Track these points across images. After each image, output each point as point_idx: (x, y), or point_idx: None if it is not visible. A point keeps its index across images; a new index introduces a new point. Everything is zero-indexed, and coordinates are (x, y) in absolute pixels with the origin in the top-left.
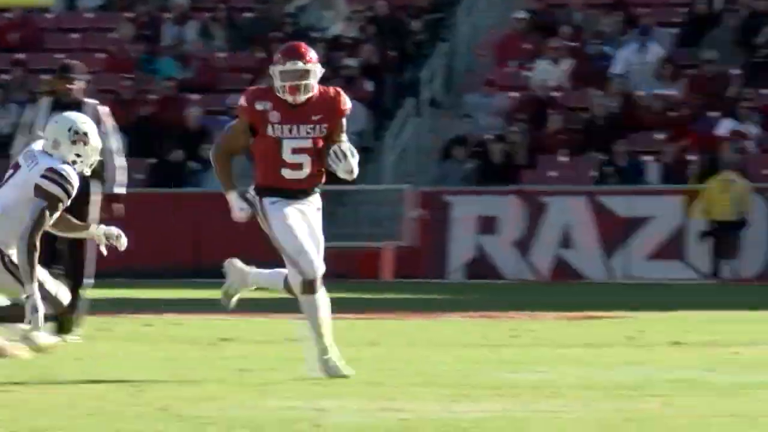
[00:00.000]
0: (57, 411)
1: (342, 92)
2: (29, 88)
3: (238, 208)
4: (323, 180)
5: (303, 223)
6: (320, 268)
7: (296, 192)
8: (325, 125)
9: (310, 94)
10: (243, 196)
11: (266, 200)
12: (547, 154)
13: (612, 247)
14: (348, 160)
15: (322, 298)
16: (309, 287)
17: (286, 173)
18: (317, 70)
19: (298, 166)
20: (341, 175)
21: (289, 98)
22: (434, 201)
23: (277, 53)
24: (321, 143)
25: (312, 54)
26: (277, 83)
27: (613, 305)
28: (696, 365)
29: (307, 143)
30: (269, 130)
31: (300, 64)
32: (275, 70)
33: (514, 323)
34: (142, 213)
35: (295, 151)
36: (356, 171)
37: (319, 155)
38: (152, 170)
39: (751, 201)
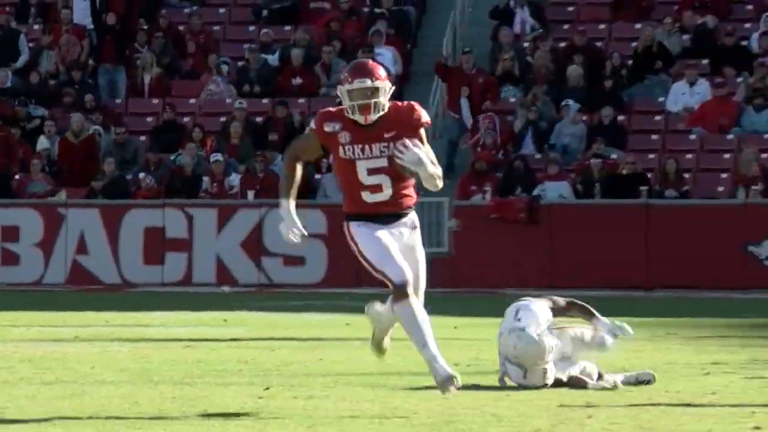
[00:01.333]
0: None
1: (417, 105)
2: None
3: (289, 227)
4: (414, 200)
5: (391, 238)
6: (409, 273)
7: (383, 216)
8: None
9: (381, 113)
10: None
11: (353, 223)
12: None
13: None
14: (414, 153)
15: (417, 305)
16: (399, 293)
17: (367, 196)
18: (387, 87)
19: (378, 188)
20: (426, 182)
21: (360, 118)
22: None
23: (344, 72)
24: None
25: (381, 71)
26: (347, 103)
27: None
28: None
29: (383, 162)
30: (341, 152)
31: (368, 82)
32: (343, 89)
33: None
34: None
35: (371, 171)
36: (428, 165)
37: (401, 175)
38: None
39: None
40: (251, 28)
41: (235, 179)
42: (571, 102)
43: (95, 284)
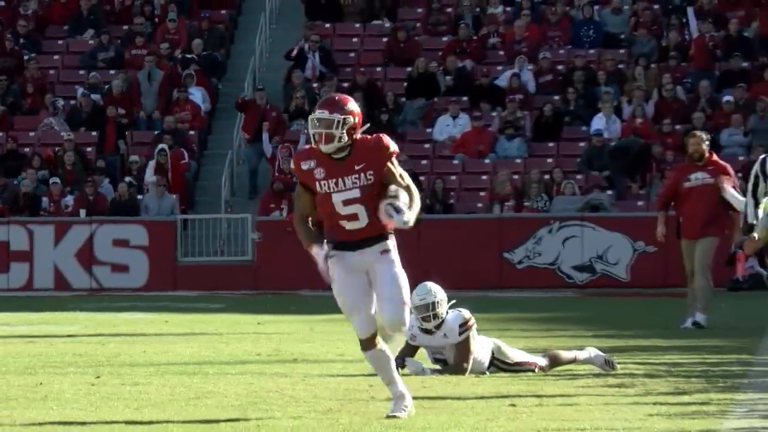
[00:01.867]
0: None
1: (384, 137)
2: None
3: (322, 261)
4: (390, 225)
5: (358, 285)
6: (365, 330)
7: (359, 242)
8: (371, 172)
9: (338, 144)
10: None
11: (330, 260)
12: None
13: None
14: (400, 215)
15: (379, 352)
16: (363, 343)
17: (345, 224)
18: (349, 121)
19: (354, 217)
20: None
21: (319, 146)
22: None
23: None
24: (373, 190)
25: (349, 105)
26: (311, 130)
27: None
28: None
29: (356, 193)
30: (317, 187)
31: (326, 113)
32: (312, 116)
33: None
34: None
35: (346, 202)
36: (412, 222)
37: (375, 203)
38: None
39: None
40: (81, 72)
41: (69, 199)
42: None
43: None
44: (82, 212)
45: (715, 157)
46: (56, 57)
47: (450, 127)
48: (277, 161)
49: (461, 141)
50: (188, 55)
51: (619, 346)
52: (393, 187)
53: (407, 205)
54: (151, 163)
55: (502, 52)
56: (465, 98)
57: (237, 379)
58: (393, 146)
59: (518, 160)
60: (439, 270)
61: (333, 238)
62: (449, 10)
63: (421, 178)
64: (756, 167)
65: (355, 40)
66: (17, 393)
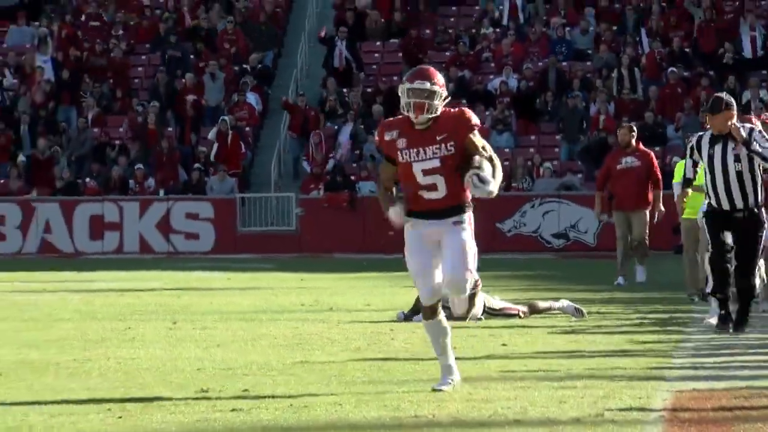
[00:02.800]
0: None
1: (466, 110)
2: None
3: (395, 216)
4: (467, 197)
5: (425, 251)
6: (429, 298)
7: (437, 212)
8: (452, 143)
9: (433, 115)
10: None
11: (407, 227)
12: None
13: None
14: (485, 186)
15: (436, 322)
16: (425, 310)
17: (424, 194)
18: (443, 94)
19: (433, 187)
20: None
21: (412, 115)
22: None
23: (407, 74)
24: (454, 161)
25: (439, 77)
26: (404, 100)
27: None
28: None
29: (436, 163)
30: (399, 157)
31: (427, 84)
32: (403, 88)
33: None
34: None
35: (427, 172)
36: (495, 191)
37: (454, 175)
38: None
39: None
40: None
41: (151, 181)
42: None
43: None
44: (162, 192)
45: (641, 145)
46: (140, 69)
47: None
48: (310, 150)
49: None
50: (245, 66)
51: (588, 298)
52: (477, 158)
53: (491, 175)
54: (215, 146)
55: (493, 64)
56: (464, 101)
57: (285, 324)
58: (475, 119)
59: (507, 150)
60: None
61: (411, 209)
62: (451, 31)
63: None
64: (693, 140)
65: (376, 55)
66: (110, 335)
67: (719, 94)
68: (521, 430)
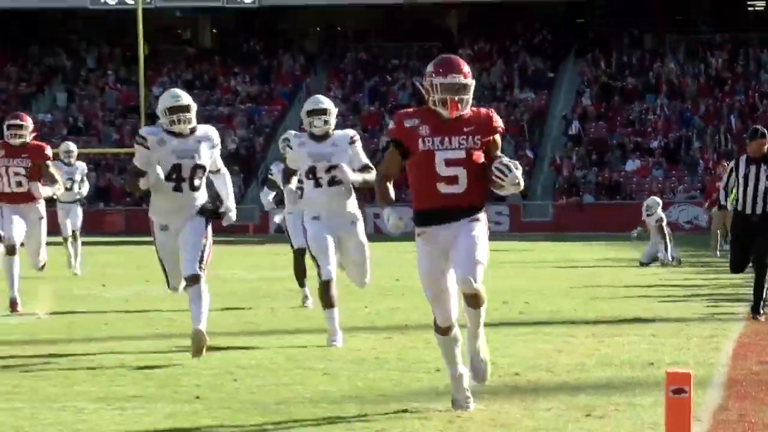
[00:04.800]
0: None
1: (493, 112)
2: None
3: (392, 222)
4: (484, 199)
5: (439, 272)
6: (444, 321)
7: (453, 209)
8: (479, 137)
9: (465, 110)
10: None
11: (417, 238)
12: None
13: None
14: (513, 172)
15: (448, 340)
16: (437, 329)
17: (442, 188)
18: (473, 86)
19: (454, 180)
20: (508, 189)
21: (445, 112)
22: None
23: (433, 65)
24: (477, 158)
25: (467, 68)
26: (436, 96)
27: None
28: None
29: (461, 154)
30: (421, 144)
31: (462, 79)
32: (435, 82)
33: None
34: None
35: (449, 163)
36: (522, 183)
37: (476, 171)
38: None
39: None
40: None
41: None
42: None
43: None
44: None
45: None
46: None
47: None
48: None
49: None
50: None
51: None
52: (500, 153)
53: (517, 167)
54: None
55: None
56: None
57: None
58: (500, 123)
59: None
60: None
61: (423, 207)
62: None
63: None
64: (731, 164)
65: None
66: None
67: (757, 126)
68: None
